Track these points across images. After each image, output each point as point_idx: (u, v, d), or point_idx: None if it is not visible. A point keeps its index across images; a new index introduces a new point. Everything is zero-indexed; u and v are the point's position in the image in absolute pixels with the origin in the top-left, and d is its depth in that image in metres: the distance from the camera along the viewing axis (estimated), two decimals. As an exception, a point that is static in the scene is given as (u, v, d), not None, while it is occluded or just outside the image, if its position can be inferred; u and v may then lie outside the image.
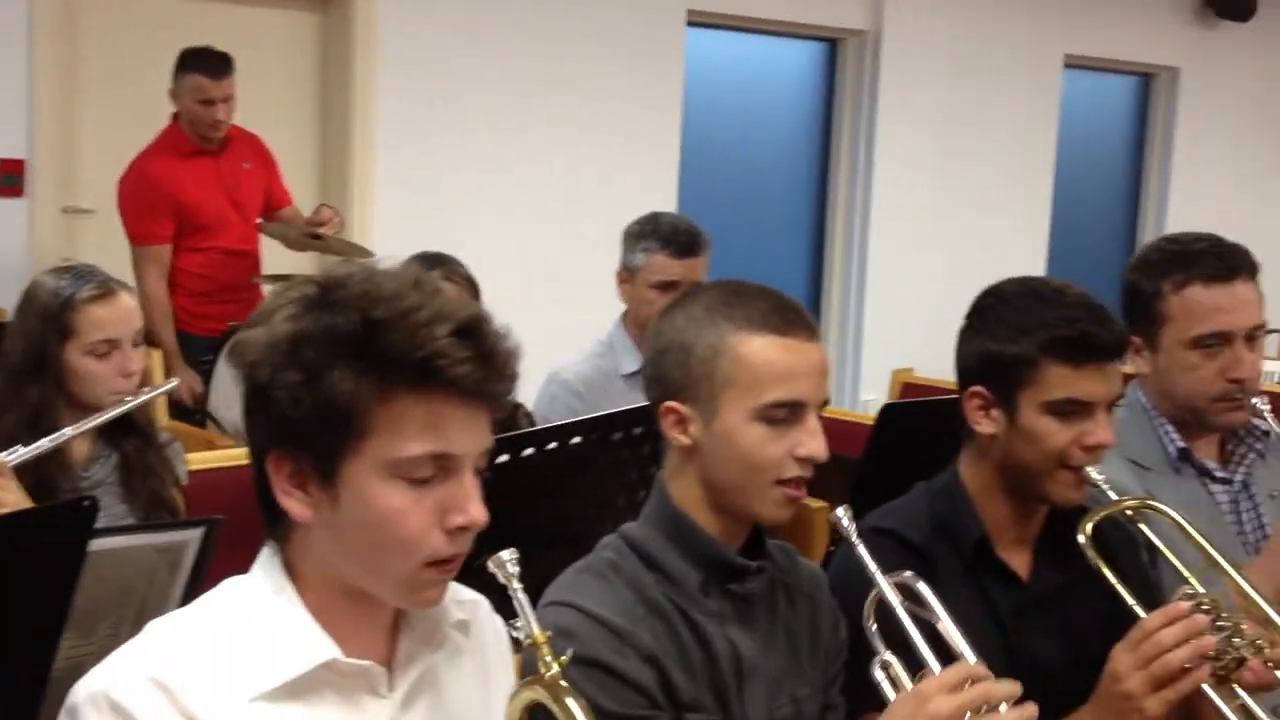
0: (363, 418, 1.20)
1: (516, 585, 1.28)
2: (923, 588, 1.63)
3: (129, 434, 2.46)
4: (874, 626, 1.63)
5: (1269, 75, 8.78)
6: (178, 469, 2.56)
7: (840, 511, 1.66)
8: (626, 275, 3.26)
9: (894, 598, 1.59)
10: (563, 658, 1.27)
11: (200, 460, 2.69)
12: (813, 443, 1.62)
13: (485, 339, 1.23)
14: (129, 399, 2.39)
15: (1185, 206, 8.43)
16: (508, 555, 1.28)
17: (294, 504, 1.24)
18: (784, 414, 1.62)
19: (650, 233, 3.21)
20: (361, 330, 1.20)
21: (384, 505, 1.21)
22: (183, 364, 4.36)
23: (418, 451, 1.21)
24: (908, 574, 1.65)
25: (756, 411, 1.61)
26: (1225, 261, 2.22)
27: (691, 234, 3.22)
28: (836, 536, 1.84)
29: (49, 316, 2.38)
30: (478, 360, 1.21)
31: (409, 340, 1.19)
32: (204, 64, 4.37)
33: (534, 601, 1.32)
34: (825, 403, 1.66)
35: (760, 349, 1.62)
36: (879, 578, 1.61)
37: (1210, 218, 8.45)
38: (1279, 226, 8.86)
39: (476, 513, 1.24)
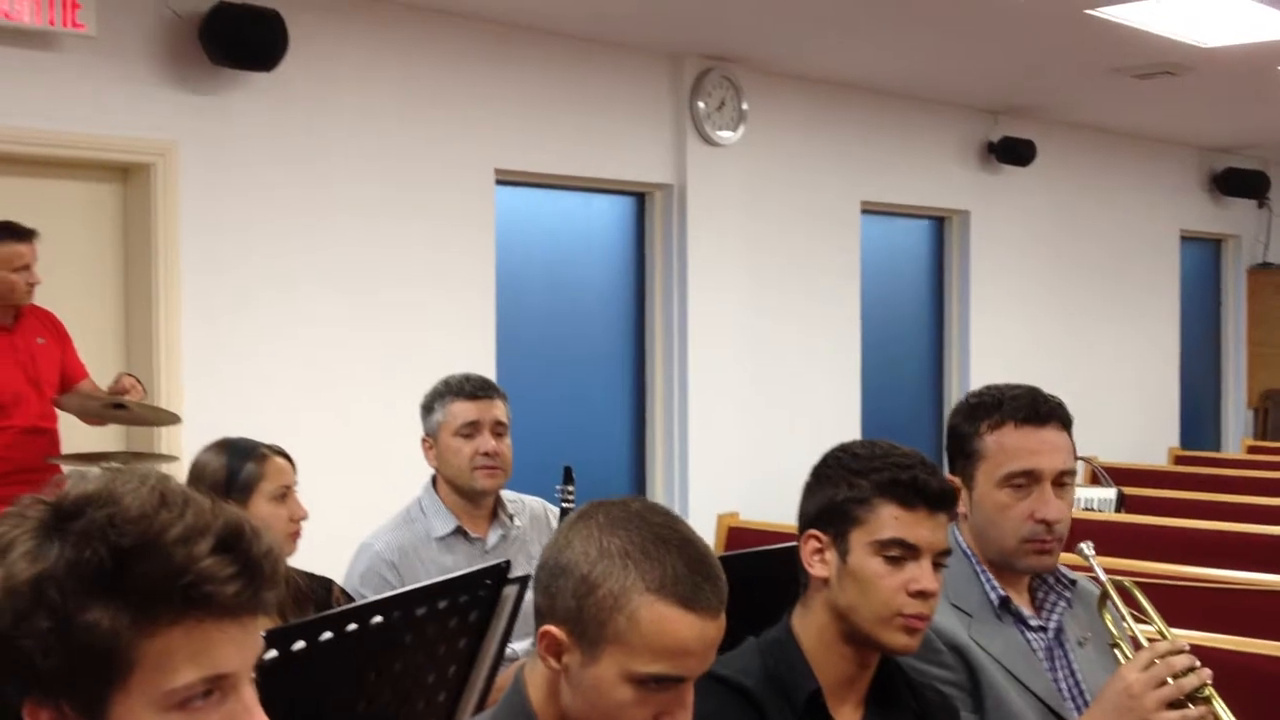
0: (125, 655, 1.10)
1: None
2: None
3: None
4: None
5: (1051, 213, 9.33)
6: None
7: None
8: (430, 440, 3.35)
9: None
10: None
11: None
12: (680, 714, 1.61)
13: (247, 548, 1.14)
14: None
15: (984, 336, 8.81)
16: None
17: None
18: (661, 683, 1.60)
19: (443, 390, 3.35)
20: (111, 562, 1.09)
21: None
22: None
23: (190, 678, 1.12)
24: None
25: (634, 676, 1.59)
26: (1039, 408, 2.35)
27: (481, 380, 3.38)
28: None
29: None
30: (243, 574, 1.13)
31: (167, 567, 1.10)
32: (12, 232, 4.37)
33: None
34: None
35: (661, 618, 1.58)
36: None
37: (1007, 341, 8.88)
38: (1064, 356, 9.34)
39: None
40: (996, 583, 2.34)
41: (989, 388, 2.46)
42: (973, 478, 2.36)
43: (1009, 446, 2.32)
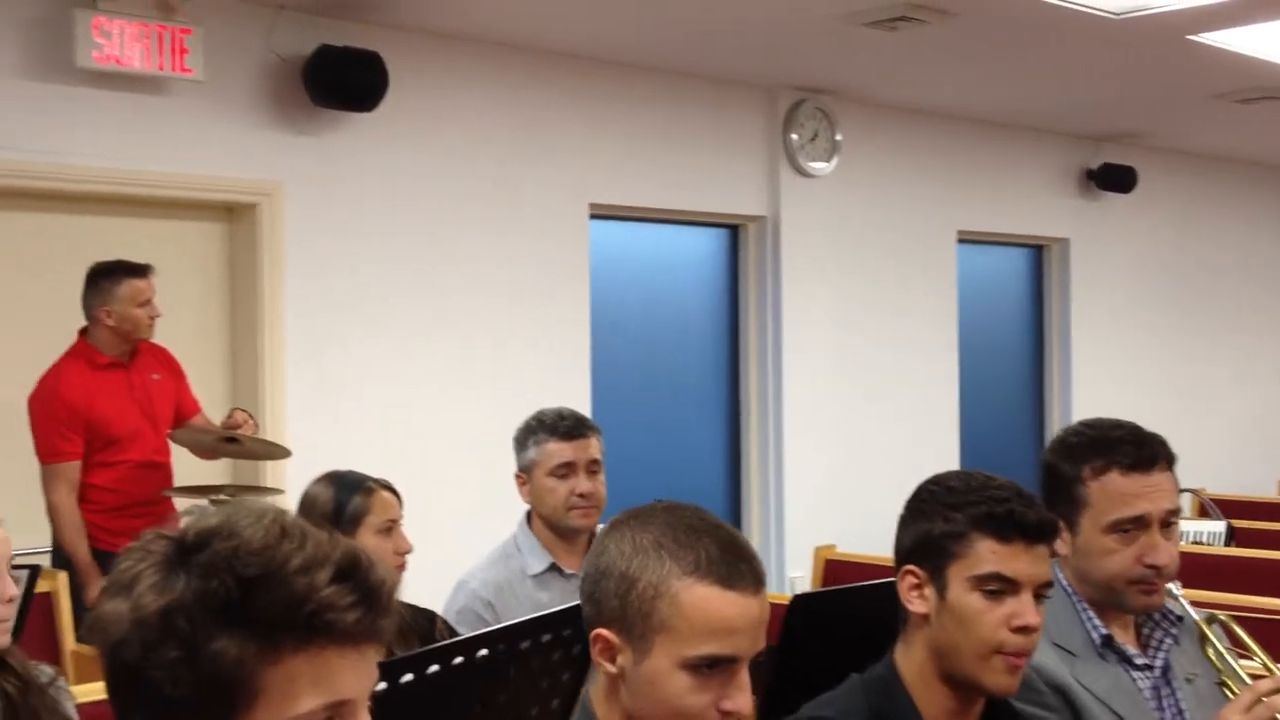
0: (250, 684, 1.13)
1: None
2: None
3: (4, 671, 2.37)
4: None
5: (1154, 240, 9.17)
6: (65, 707, 2.47)
7: None
8: (524, 476, 3.33)
9: None
10: None
11: (96, 691, 2.60)
12: (739, 698, 1.61)
13: (364, 577, 1.17)
14: None
15: (1086, 365, 8.67)
16: None
17: None
18: (713, 667, 1.61)
19: (536, 426, 3.31)
20: (238, 592, 1.12)
21: None
22: (99, 579, 4.27)
23: (312, 706, 1.14)
24: None
25: (686, 661, 1.60)
26: (1144, 450, 2.29)
27: (575, 417, 3.34)
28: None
29: None
30: (362, 603, 1.15)
31: (289, 596, 1.13)
32: (132, 268, 4.49)
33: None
34: (760, 653, 1.65)
35: (702, 599, 1.60)
36: None
37: (1110, 371, 8.73)
38: (1169, 385, 9.15)
39: None
40: (1099, 621, 2.30)
41: (1088, 425, 2.40)
42: (1076, 523, 2.30)
43: (1115, 493, 2.26)
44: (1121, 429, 2.34)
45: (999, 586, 1.91)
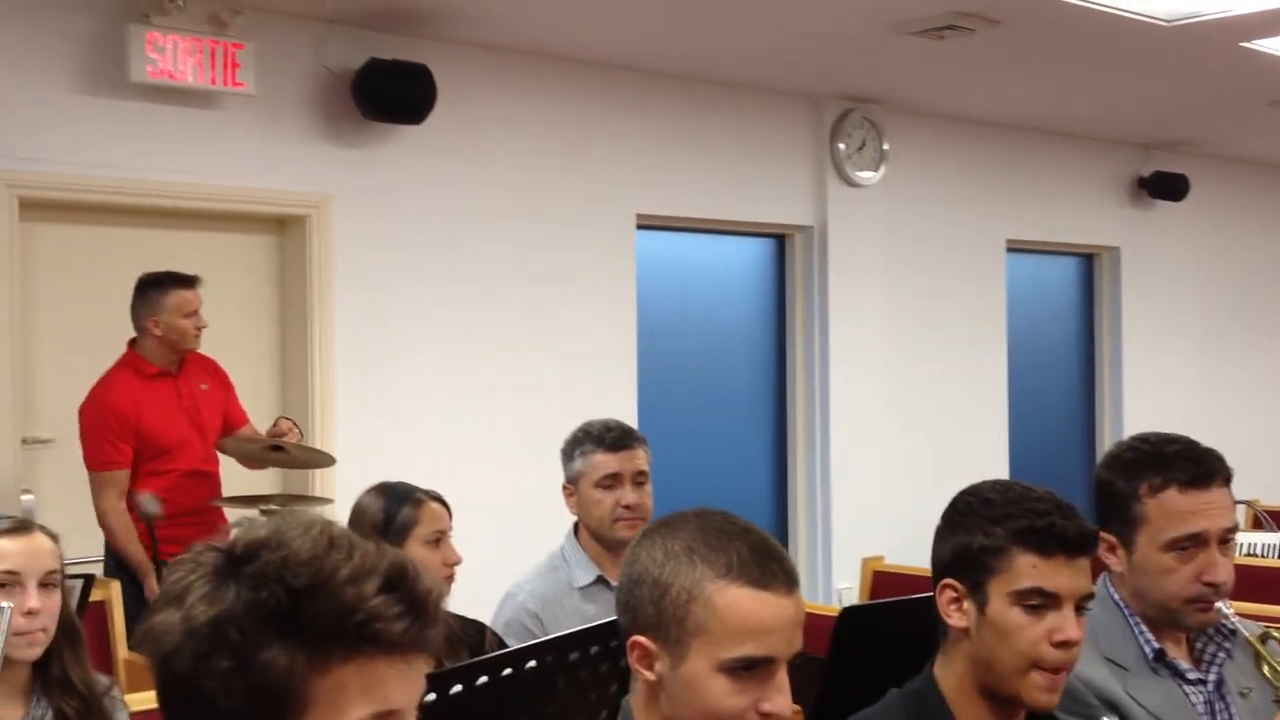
0: (300, 693, 1.14)
1: None
2: None
3: (65, 691, 2.39)
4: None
5: (1206, 248, 9.06)
6: (119, 717, 2.49)
7: None
8: (571, 487, 3.32)
9: None
10: None
11: (149, 700, 2.62)
12: (778, 699, 1.61)
13: (411, 587, 1.18)
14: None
15: (1138, 375, 8.58)
16: None
17: None
18: (751, 668, 1.61)
19: (583, 438, 3.31)
20: (287, 603, 1.13)
21: None
22: (152, 573, 4.34)
23: (361, 715, 1.15)
24: None
25: (723, 664, 1.60)
26: (1201, 467, 2.26)
27: (622, 428, 3.33)
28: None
29: None
30: (409, 613, 1.16)
31: (338, 606, 1.14)
32: (181, 279, 4.52)
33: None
34: (798, 652, 1.65)
35: (735, 601, 1.61)
36: None
37: (1162, 381, 8.62)
38: (1222, 395, 9.03)
39: None
40: (1151, 635, 2.27)
41: (1142, 440, 2.36)
42: (1132, 540, 2.27)
43: (1173, 511, 2.23)
44: (1176, 444, 2.30)
45: (1040, 601, 1.88)
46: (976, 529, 1.93)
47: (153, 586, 4.30)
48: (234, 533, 1.20)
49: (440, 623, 1.21)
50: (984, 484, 2.02)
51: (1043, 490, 1.96)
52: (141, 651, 1.18)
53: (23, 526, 2.40)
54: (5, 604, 2.26)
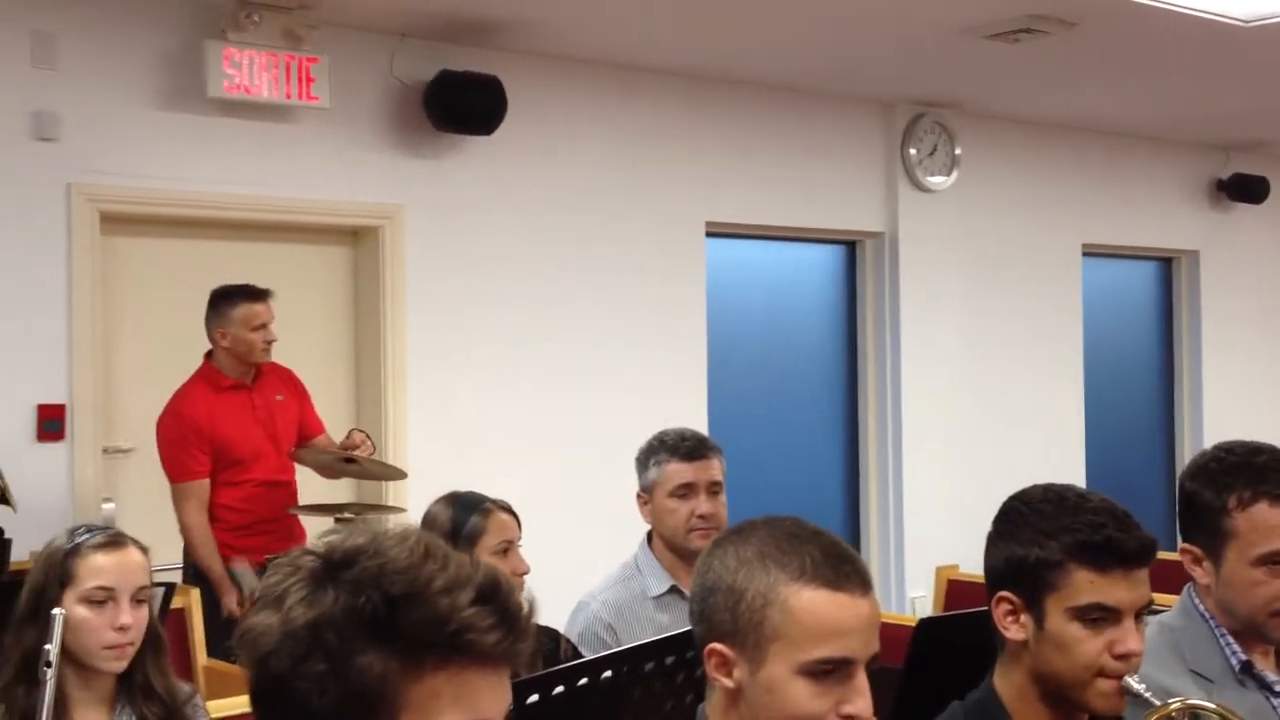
0: (393, 699, 1.15)
1: None
2: None
3: (148, 698, 2.42)
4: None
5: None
6: (201, 727, 2.52)
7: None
8: (645, 496, 3.32)
9: None
10: None
11: (228, 707, 2.65)
12: (859, 701, 1.59)
13: (505, 600, 1.19)
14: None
15: (1218, 382, 8.42)
16: None
17: None
18: (831, 671, 1.60)
19: (658, 447, 3.31)
20: (384, 609, 1.15)
21: None
22: (230, 589, 4.40)
23: None
24: None
25: (802, 667, 1.59)
26: None
27: (697, 438, 3.33)
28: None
29: (54, 562, 2.37)
30: (502, 625, 1.18)
31: (433, 615, 1.15)
32: (250, 293, 4.57)
33: None
34: (876, 656, 1.64)
35: (811, 603, 1.60)
36: None
37: (1243, 388, 8.45)
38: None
39: None
40: (1238, 647, 2.23)
41: (1226, 450, 2.31)
42: (1221, 554, 2.23)
43: (1264, 525, 2.17)
44: (1263, 454, 2.25)
45: (1099, 615, 1.84)
46: (1030, 541, 1.88)
47: (229, 606, 4.35)
48: (332, 539, 1.22)
49: (531, 637, 1.22)
50: (1035, 490, 1.97)
51: (1097, 498, 1.91)
52: (239, 652, 1.20)
53: (117, 541, 2.41)
54: (58, 610, 2.28)
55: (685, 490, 3.22)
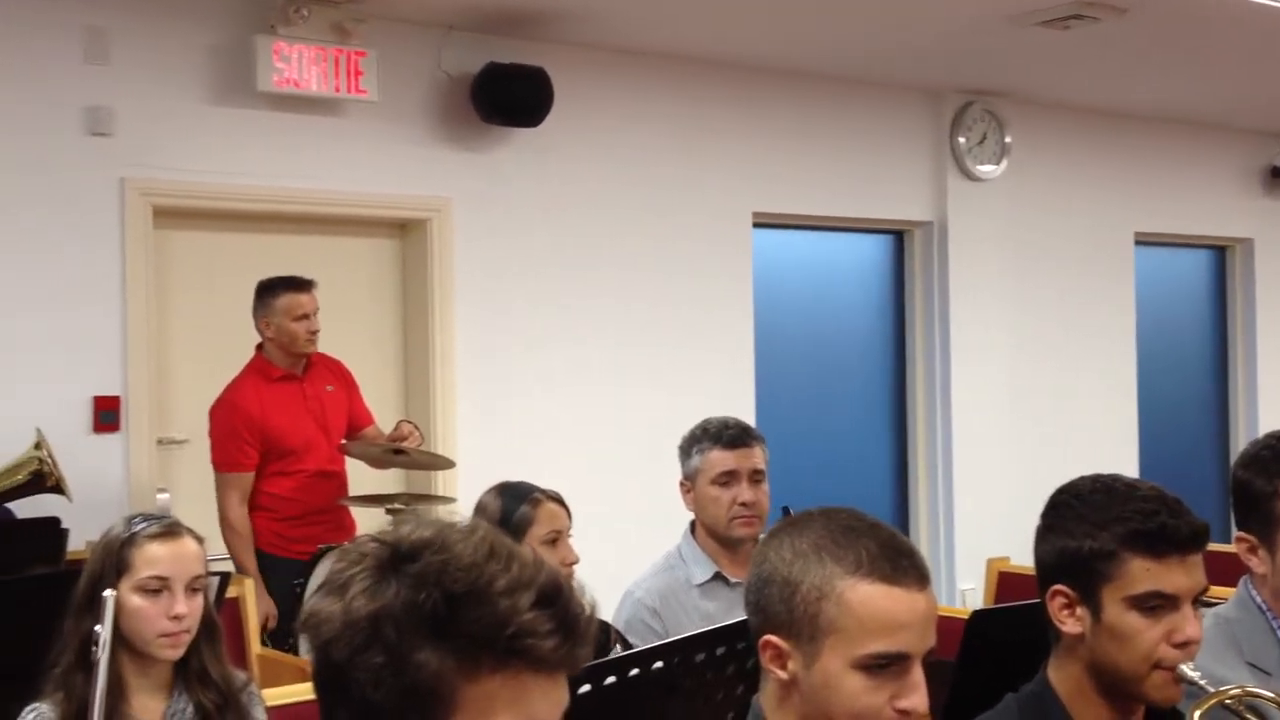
0: (448, 697, 1.15)
1: None
2: None
3: (204, 685, 2.45)
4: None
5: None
6: (256, 713, 2.55)
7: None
8: (688, 484, 3.33)
9: None
10: None
11: (282, 695, 2.68)
12: (914, 696, 1.59)
13: (566, 605, 1.18)
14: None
15: (1274, 372, 8.31)
16: None
17: None
18: (886, 665, 1.59)
19: (701, 435, 3.32)
20: (444, 607, 1.15)
21: None
22: (263, 591, 4.39)
23: None
24: None
25: (858, 661, 1.59)
26: None
27: (740, 426, 3.34)
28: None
29: (110, 551, 2.39)
30: (562, 632, 1.17)
31: (493, 616, 1.15)
32: (293, 283, 4.59)
33: None
34: (931, 651, 1.63)
35: (867, 597, 1.59)
36: None
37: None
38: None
39: None
40: None
41: (1279, 436, 2.30)
42: (1275, 541, 2.20)
43: None
44: None
45: (1158, 602, 1.83)
46: (1082, 533, 1.87)
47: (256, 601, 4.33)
48: (401, 529, 1.22)
49: (590, 642, 1.21)
50: (1082, 481, 1.95)
51: (1147, 486, 1.90)
52: (303, 634, 1.21)
53: (172, 530, 2.43)
54: (109, 591, 2.30)
55: (727, 478, 3.23)
